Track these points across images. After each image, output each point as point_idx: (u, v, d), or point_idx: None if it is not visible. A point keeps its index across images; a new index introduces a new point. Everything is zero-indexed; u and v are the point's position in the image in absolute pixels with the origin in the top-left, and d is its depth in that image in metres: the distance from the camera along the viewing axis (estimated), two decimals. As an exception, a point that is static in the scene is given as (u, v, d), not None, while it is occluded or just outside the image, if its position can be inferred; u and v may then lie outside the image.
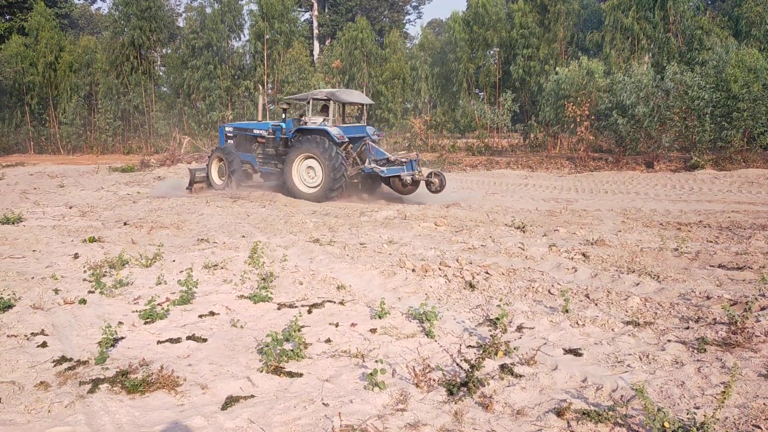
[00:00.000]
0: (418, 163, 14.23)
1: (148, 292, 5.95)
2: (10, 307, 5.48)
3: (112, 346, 4.53)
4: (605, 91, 22.65)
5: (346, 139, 13.66)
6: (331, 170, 13.19)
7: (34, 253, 8.03)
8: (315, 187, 13.65)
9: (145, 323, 5.08)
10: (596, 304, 5.32)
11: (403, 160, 14.05)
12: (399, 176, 13.77)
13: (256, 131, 15.47)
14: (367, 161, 13.95)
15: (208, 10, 32.92)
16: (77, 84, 35.86)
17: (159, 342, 4.66)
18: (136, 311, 5.35)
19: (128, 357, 4.35)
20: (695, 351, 4.19)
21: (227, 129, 16.35)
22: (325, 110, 14.35)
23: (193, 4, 54.62)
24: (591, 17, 29.06)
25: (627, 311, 5.13)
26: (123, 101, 34.29)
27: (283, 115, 15.01)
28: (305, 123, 14.14)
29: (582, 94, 22.45)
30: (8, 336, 4.81)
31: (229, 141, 15.94)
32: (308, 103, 14.27)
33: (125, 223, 10.29)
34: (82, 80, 35.85)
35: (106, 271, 6.74)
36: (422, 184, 13.75)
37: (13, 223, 10.22)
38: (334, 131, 13.42)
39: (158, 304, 5.41)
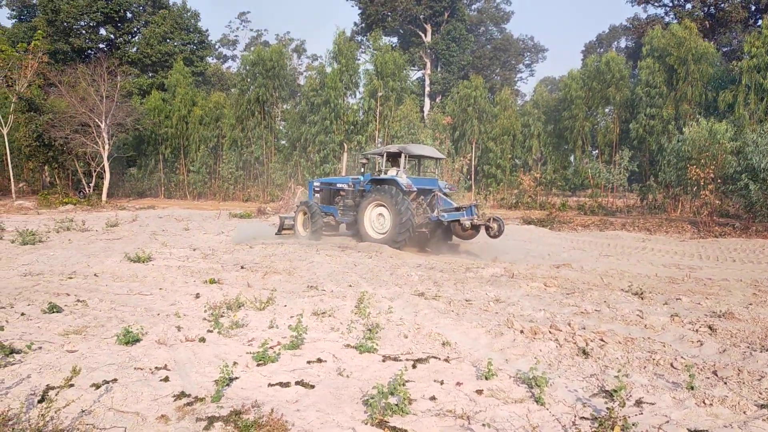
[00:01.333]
0: (477, 208, 14.75)
1: (261, 335, 6.18)
2: (138, 341, 5.89)
3: (227, 385, 4.72)
4: (734, 153, 21.32)
5: (414, 189, 14.46)
6: (398, 216, 13.97)
7: (160, 291, 8.62)
8: (383, 233, 14.55)
9: (258, 365, 5.26)
10: (725, 383, 4.88)
11: (463, 206, 14.73)
12: (458, 221, 14.34)
13: (338, 185, 16.85)
14: (435, 211, 14.79)
15: (328, 70, 34.80)
16: (206, 136, 38.90)
17: (270, 385, 4.80)
18: (250, 353, 5.56)
19: (241, 397, 4.50)
20: None
21: (315, 184, 17.79)
22: (396, 163, 15.27)
23: (313, 63, 58.12)
24: (723, 77, 27.74)
25: (761, 393, 4.66)
26: (245, 152, 36.68)
27: (362, 169, 15.91)
28: (379, 174, 15.09)
29: (705, 156, 21.25)
30: (135, 368, 5.15)
31: (316, 194, 17.38)
32: (382, 156, 15.27)
33: (242, 267, 10.83)
34: (211, 132, 38.86)
35: (223, 312, 7.09)
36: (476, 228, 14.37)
37: (143, 262, 11.06)
38: (402, 181, 14.32)
39: (270, 348, 5.59)
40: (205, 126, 39.10)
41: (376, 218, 14.77)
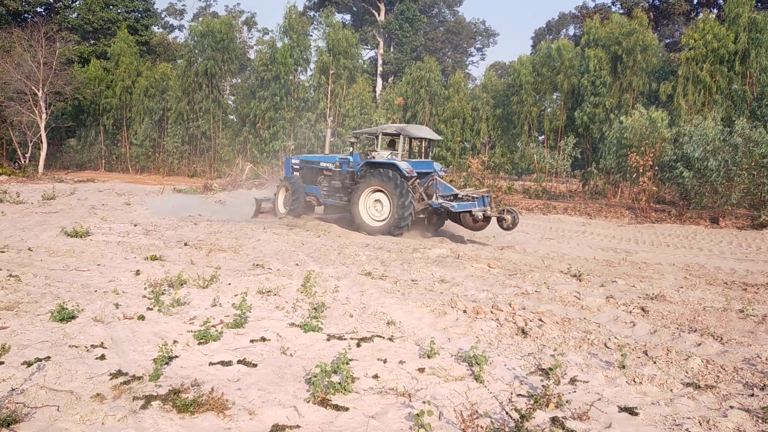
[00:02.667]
0: (490, 200, 14.11)
1: (204, 313, 6.09)
2: (73, 317, 5.71)
3: (167, 363, 4.65)
4: (670, 142, 22.15)
5: (415, 174, 13.65)
6: (400, 204, 13.15)
7: (98, 267, 8.37)
8: (381, 220, 13.65)
9: (199, 344, 5.19)
10: (655, 362, 5.12)
11: (475, 195, 14.00)
12: (470, 212, 13.56)
13: (322, 164, 15.67)
14: (434, 197, 13.89)
15: (279, 45, 34.14)
16: (150, 108, 37.66)
17: (211, 363, 4.74)
18: (191, 331, 5.48)
19: (181, 376, 4.44)
20: (760, 420, 3.96)
21: (294, 161, 16.58)
22: (392, 145, 14.50)
23: (264, 38, 56.88)
24: (664, 68, 28.63)
25: (687, 372, 4.92)
26: (191, 126, 35.73)
27: (350, 149, 15.17)
28: (373, 157, 14.24)
29: (645, 144, 22.01)
30: (70, 346, 5.00)
31: (294, 173, 16.20)
32: (377, 137, 14.45)
33: (185, 244, 10.61)
34: (156, 105, 37.64)
35: (164, 290, 6.95)
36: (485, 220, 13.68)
37: (81, 237, 10.69)
38: (403, 165, 13.45)
39: (213, 326, 5.52)
40: (150, 98, 37.84)
41: (373, 204, 13.87)
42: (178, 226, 13.07)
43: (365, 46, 54.73)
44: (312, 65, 35.19)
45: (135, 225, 12.92)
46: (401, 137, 14.06)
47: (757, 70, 25.45)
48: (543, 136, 33.80)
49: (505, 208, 13.77)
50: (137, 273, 7.97)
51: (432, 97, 33.43)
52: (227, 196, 22.36)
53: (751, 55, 25.33)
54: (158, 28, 60.26)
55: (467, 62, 67.54)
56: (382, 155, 14.14)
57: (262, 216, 16.02)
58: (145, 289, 6.98)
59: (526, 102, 30.54)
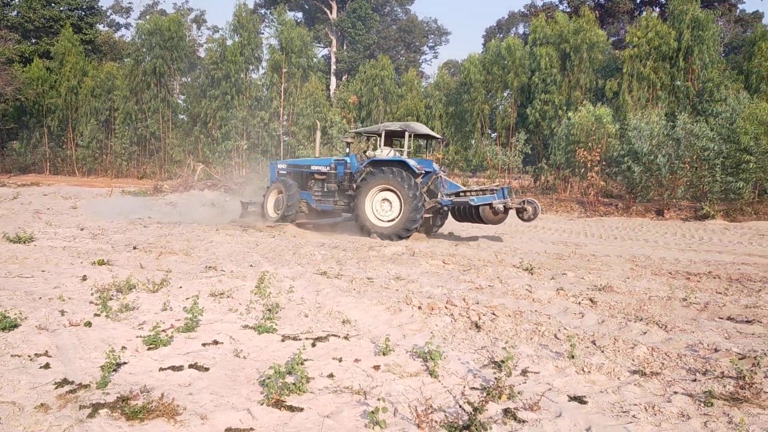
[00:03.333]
0: (510, 191, 13.98)
1: (154, 318, 5.95)
2: (15, 326, 5.49)
3: (115, 371, 4.52)
4: (616, 138, 22.81)
5: (424, 170, 13.38)
6: (413, 203, 12.73)
7: (43, 273, 8.08)
8: (390, 221, 13.22)
9: (149, 349, 5.07)
10: (602, 351, 5.26)
11: (494, 188, 13.81)
12: (490, 204, 13.30)
13: (314, 167, 15.04)
14: (439, 195, 13.65)
15: (229, 42, 33.65)
16: (97, 108, 36.59)
17: (161, 369, 4.64)
18: (141, 336, 5.35)
19: (130, 383, 4.33)
20: (702, 404, 4.12)
21: (280, 166, 15.78)
22: (389, 143, 14.22)
23: (214, 35, 55.95)
24: (610, 65, 29.45)
25: (633, 360, 5.07)
26: (140, 127, 34.88)
27: (347, 150, 14.60)
28: (374, 155, 13.83)
29: (592, 140, 22.60)
30: (12, 356, 4.81)
31: (281, 179, 15.39)
32: (380, 135, 14.02)
33: (135, 248, 10.35)
34: (102, 105, 36.58)
35: (113, 295, 6.76)
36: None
37: (24, 243, 10.30)
38: (412, 162, 13.17)
39: (163, 331, 5.40)
40: (96, 98, 36.75)
41: (380, 204, 13.36)
42: (126, 230, 12.74)
43: (318, 44, 54.49)
44: (264, 63, 34.83)
45: (81, 229, 12.54)
46: (407, 134, 13.72)
47: (699, 67, 26.43)
48: (495, 134, 34.32)
49: (525, 199, 13.60)
50: (84, 278, 7.73)
51: (386, 95, 33.53)
52: (178, 197, 21.92)
53: (694, 52, 26.30)
54: (104, 27, 58.61)
55: (420, 60, 67.99)
56: (384, 153, 13.78)
57: (246, 221, 15.23)
58: (92, 294, 6.77)
59: (476, 100, 30.96)
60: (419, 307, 6.60)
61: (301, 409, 3.99)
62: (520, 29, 64.32)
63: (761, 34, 26.96)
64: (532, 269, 8.95)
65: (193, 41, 47.03)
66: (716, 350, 5.23)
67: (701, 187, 20.42)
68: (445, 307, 6.56)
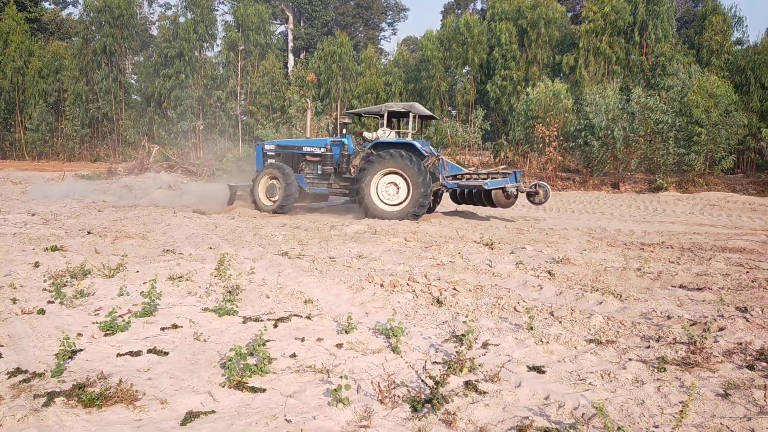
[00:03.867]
0: (523, 175, 13.82)
1: (110, 304, 5.82)
2: (-36, 316, 5.30)
3: (70, 358, 4.41)
4: (573, 113, 23.15)
5: (431, 152, 13.08)
6: (422, 185, 12.50)
7: (-8, 261, 7.80)
8: (396, 204, 12.88)
9: (105, 335, 4.96)
10: (560, 322, 5.38)
11: (506, 172, 13.64)
12: (503, 188, 13.14)
13: (306, 149, 14.40)
14: (440, 177, 13.41)
15: (182, 20, 32.75)
16: (45, 90, 35.25)
17: (119, 355, 4.55)
18: (97, 323, 5.22)
19: (86, 370, 4.23)
20: (655, 370, 4.26)
21: (267, 147, 14.92)
22: (390, 124, 13.85)
23: (166, 12, 54.33)
24: (566, 40, 29.77)
25: (590, 329, 5.20)
26: (92, 108, 33.79)
27: (343, 131, 14.05)
28: (377, 137, 13.48)
29: (550, 115, 22.89)
30: (-39, 347, 4.65)
31: (269, 160, 14.65)
32: (382, 116, 13.62)
33: (89, 232, 10.08)
34: (50, 86, 35.26)
35: (67, 281, 6.58)
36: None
37: (-29, 230, 9.93)
38: (418, 144, 12.87)
39: (119, 316, 5.29)
40: (44, 78, 35.38)
41: (386, 188, 12.97)
42: (80, 214, 12.39)
43: (275, 21, 53.45)
44: (219, 41, 34.07)
45: (33, 215, 12.14)
46: (411, 115, 13.39)
47: (653, 41, 26.93)
48: (455, 110, 34.43)
49: (536, 183, 13.51)
50: (36, 265, 7.49)
51: (344, 73, 33.22)
52: (134, 180, 21.37)
53: (649, 26, 26.76)
54: (49, 4, 56.22)
55: (379, 37, 67.45)
56: (386, 135, 13.47)
57: (229, 208, 14.38)
58: (46, 281, 6.58)
59: (435, 77, 30.94)
60: (381, 285, 6.62)
61: (264, 390, 3.97)
62: (478, 5, 64.33)
63: (712, 8, 27.61)
64: (492, 244, 9.07)
65: (145, 19, 45.56)
66: (669, 317, 5.41)
67: (655, 160, 20.93)
68: (407, 284, 6.60)
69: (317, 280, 6.94)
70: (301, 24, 54.96)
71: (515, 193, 13.25)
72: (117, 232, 10.12)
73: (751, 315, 5.30)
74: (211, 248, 8.87)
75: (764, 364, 4.27)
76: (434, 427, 3.44)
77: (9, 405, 3.71)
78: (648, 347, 4.74)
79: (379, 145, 13.17)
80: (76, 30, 37.15)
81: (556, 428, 3.32)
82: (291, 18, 55.40)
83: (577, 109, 23.63)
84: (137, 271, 7.22)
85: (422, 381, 3.93)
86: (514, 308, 5.78)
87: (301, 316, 5.60)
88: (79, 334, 4.93)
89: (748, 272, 7.18)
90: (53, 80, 35.47)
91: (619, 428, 3.11)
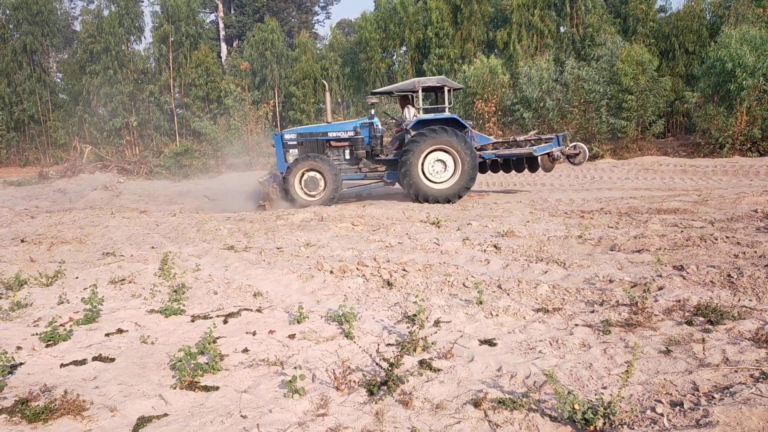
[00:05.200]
0: (565, 138, 13.87)
1: (50, 313, 5.59)
2: None
3: (10, 373, 4.22)
4: (509, 87, 23.51)
5: (470, 127, 13.00)
6: (470, 161, 12.47)
7: None
8: (443, 182, 12.70)
9: (47, 346, 4.76)
10: (508, 294, 5.50)
11: (550, 137, 13.86)
12: (549, 153, 13.38)
13: (331, 134, 13.67)
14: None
15: (105, 13, 31.43)
16: (-38, 93, 33.28)
17: (62, 365, 4.39)
18: (37, 334, 5.01)
19: (28, 383, 4.06)
20: (601, 333, 4.41)
21: (287, 136, 13.81)
22: (410, 100, 13.68)
23: (89, 6, 52.01)
24: (499, 16, 30.08)
25: (537, 299, 5.34)
26: (16, 111, 32.15)
27: (371, 112, 13.54)
28: (415, 115, 13.20)
29: (488, 91, 23.17)
30: None
31: (291, 150, 13.65)
32: (416, 92, 13.30)
33: (23, 241, 9.63)
34: (-32, 89, 33.31)
35: (2, 293, 6.29)
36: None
37: None
38: (462, 120, 12.74)
39: (60, 325, 5.09)
40: (-41, 82, 33.37)
41: (432, 165, 12.70)
42: (12, 222, 11.83)
43: (204, 10, 51.95)
44: (148, 33, 32.90)
45: (-41, 227, 11.50)
46: (446, 89, 13.13)
47: (584, 12, 27.54)
48: (394, 92, 34.37)
49: (575, 144, 13.71)
50: (-34, 280, 7.12)
51: (279, 59, 32.67)
52: (67, 183, 20.53)
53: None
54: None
55: (313, 21, 66.49)
56: (411, 113, 13.33)
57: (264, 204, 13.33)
58: (-22, 296, 6.26)
59: (373, 59, 30.81)
60: (331, 272, 6.60)
61: (217, 388, 3.91)
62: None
63: (635, -22, 28.36)
64: (438, 223, 9.15)
65: (66, 14, 43.40)
66: (611, 281, 5.60)
67: (590, 129, 21.53)
68: (357, 269, 6.60)
69: (265, 272, 6.86)
70: (232, 12, 53.61)
71: (560, 156, 13.46)
72: (53, 238, 9.70)
73: (687, 273, 5.54)
74: (153, 248, 8.63)
75: (701, 318, 4.48)
76: (391, 409, 3.47)
77: (-54, 428, 3.53)
78: (593, 312, 4.90)
79: (421, 123, 12.91)
80: (-8, 29, 35.15)
81: (510, 398, 3.39)
82: (221, 5, 53.94)
83: (513, 83, 24.01)
84: (77, 277, 6.96)
85: (377, 364, 3.95)
86: (463, 284, 5.86)
87: (251, 310, 5.53)
88: (19, 347, 4.72)
89: (682, 231, 7.49)
90: (-29, 83, 33.53)
91: (569, 392, 3.21)
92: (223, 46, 51.93)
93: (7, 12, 32.57)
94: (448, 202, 12.52)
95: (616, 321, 4.62)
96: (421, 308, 4.81)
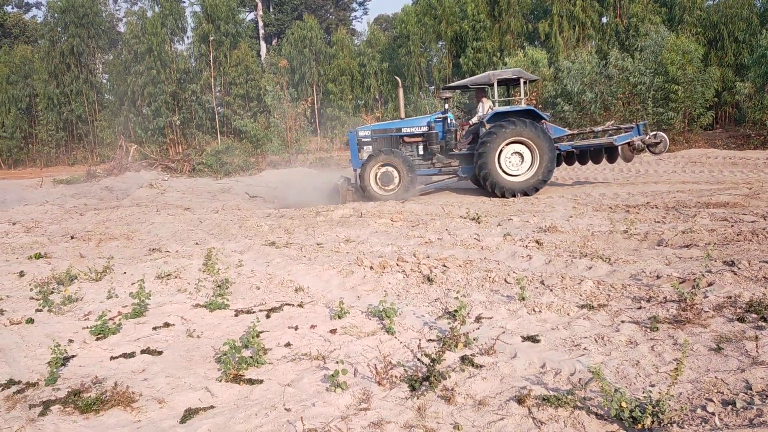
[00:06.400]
0: (646, 127, 13.66)
1: (99, 307, 5.76)
2: (-49, 332, 5.22)
3: (63, 365, 4.37)
4: (551, 80, 23.12)
5: (547, 117, 12.80)
6: (549, 151, 12.28)
7: (-25, 274, 7.68)
8: (520, 174, 12.54)
9: (97, 339, 4.91)
10: (551, 290, 5.41)
11: (630, 126, 13.60)
12: (630, 142, 13.03)
13: (405, 130, 13.65)
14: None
15: (149, 14, 32.15)
16: (16, 96, 34.58)
17: (112, 358, 4.51)
18: (87, 327, 5.17)
19: (80, 376, 4.20)
20: (648, 330, 4.30)
21: (362, 134, 13.85)
22: (486, 94, 13.46)
23: (133, 8, 53.30)
24: (539, 7, 29.61)
25: (581, 295, 5.23)
26: (65, 111, 33.24)
27: (446, 106, 13.52)
28: (491, 108, 13.17)
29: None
30: (-50, 363, 4.58)
31: (365, 147, 13.68)
32: (492, 85, 13.18)
33: (72, 237, 9.96)
34: (21, 92, 34.59)
35: (53, 288, 6.51)
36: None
37: (-49, 244, 9.76)
38: (540, 112, 12.63)
39: (110, 319, 5.24)
40: (12, 84, 34.67)
41: (509, 157, 12.53)
42: (62, 219, 12.23)
43: (244, 9, 52.69)
44: (189, 33, 33.54)
45: (13, 223, 11.95)
46: (521, 81, 13.03)
47: (627, 2, 26.88)
48: (433, 87, 34.24)
49: (656, 133, 13.31)
50: (21, 274, 7.39)
51: (317, 57, 32.88)
52: (114, 181, 21.11)
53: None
54: (12, 8, 54.91)
55: (351, 18, 66.69)
56: (486, 106, 13.25)
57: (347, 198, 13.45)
58: (32, 290, 6.48)
59: (413, 53, 30.71)
60: (371, 267, 6.61)
61: (261, 381, 3.96)
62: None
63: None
64: (478, 218, 9.07)
65: (111, 16, 44.64)
66: (658, 277, 5.45)
67: (634, 122, 21.01)
68: (397, 264, 6.59)
69: (306, 267, 6.91)
70: (271, 10, 54.20)
71: (641, 146, 13.08)
72: (101, 234, 10.00)
73: (739, 268, 5.36)
74: (197, 244, 8.80)
75: (754, 315, 4.33)
76: (433, 404, 3.46)
77: (4, 417, 3.67)
78: (639, 308, 4.79)
79: (498, 115, 12.75)
80: (42, 33, 36.36)
81: (554, 395, 3.34)
82: (260, 4, 54.59)
83: (554, 75, 23.60)
84: (124, 273, 7.16)
85: (418, 359, 3.93)
86: (505, 280, 5.79)
87: (293, 305, 5.58)
88: (71, 341, 4.88)
89: (732, 226, 7.25)
90: (23, 85, 34.79)
91: (616, 390, 3.14)
92: (263, 45, 52.59)
93: (56, 15, 33.63)
94: (526, 194, 12.33)
95: (664, 318, 4.49)
96: (462, 304, 4.77)
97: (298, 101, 29.79)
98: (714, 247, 6.18)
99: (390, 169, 13.02)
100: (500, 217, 9.30)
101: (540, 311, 4.89)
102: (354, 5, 67.80)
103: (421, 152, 13.52)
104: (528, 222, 8.72)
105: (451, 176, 13.63)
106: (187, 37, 33.96)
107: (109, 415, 3.61)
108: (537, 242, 7.22)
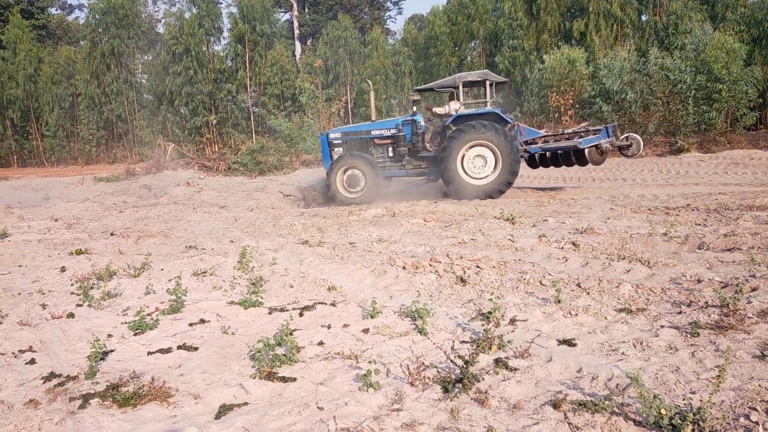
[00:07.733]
0: (615, 129, 13.46)
1: (137, 303, 5.88)
2: (-4, 324, 5.39)
3: (102, 359, 4.47)
4: (589, 79, 22.75)
5: (513, 121, 12.76)
6: (511, 156, 12.17)
7: (20, 268, 7.93)
8: (483, 177, 12.48)
9: (135, 334, 5.01)
10: (588, 293, 5.31)
11: (598, 128, 13.33)
12: (597, 145, 12.83)
13: (374, 132, 13.80)
14: (518, 143, 12.93)
15: (187, 15, 32.71)
16: (59, 95, 35.60)
17: (149, 353, 4.60)
18: (125, 323, 5.28)
19: (118, 370, 4.28)
20: (689, 335, 4.18)
21: (332, 136, 14.12)
22: (453, 97, 13.48)
23: (171, 9, 54.28)
24: (576, 5, 29.16)
25: (619, 299, 5.12)
26: (105, 110, 34.07)
27: (414, 108, 13.53)
28: (456, 110, 13.10)
29: (565, 84, 22.51)
30: (-5, 354, 4.73)
31: (336, 149, 13.93)
32: (457, 87, 13.23)
33: (112, 234, 10.19)
34: (64, 91, 35.59)
35: (93, 284, 6.66)
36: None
37: (-3, 239, 10.09)
38: (503, 114, 12.56)
39: (147, 315, 5.34)
40: (56, 84, 35.70)
41: (472, 161, 12.48)
42: (102, 216, 12.53)
43: (279, 10, 53.17)
44: (226, 34, 34.01)
45: (56, 220, 12.30)
46: (487, 83, 12.98)
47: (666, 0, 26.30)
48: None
49: (628, 135, 13.14)
50: (62, 270, 7.60)
51: (352, 56, 33.01)
52: (152, 179, 21.55)
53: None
54: (55, 10, 56.55)
55: (385, 17, 66.75)
56: (455, 107, 13.19)
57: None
58: (73, 285, 6.67)
59: (443, 53, 30.58)
60: (404, 267, 6.60)
61: (294, 379, 3.98)
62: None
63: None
64: (513, 219, 8.97)
65: (150, 17, 45.63)
66: (699, 281, 5.30)
67: (674, 121, 20.53)
68: (430, 265, 6.56)
69: (339, 266, 6.93)
70: (306, 10, 54.59)
71: (609, 149, 12.94)
72: (139, 231, 10.21)
73: (784, 273, 5.18)
74: (232, 242, 8.91)
75: (801, 322, 4.17)
76: (467, 407, 3.42)
77: (46, 409, 3.76)
78: (680, 313, 4.66)
79: (461, 118, 12.73)
80: (84, 34, 37.34)
81: (591, 401, 3.27)
82: (295, 5, 55.03)
83: (592, 74, 23.21)
84: (162, 269, 7.29)
85: (451, 361, 3.90)
86: (540, 282, 5.71)
87: (326, 304, 5.60)
88: (110, 335, 4.99)
89: (777, 230, 7.01)
90: (66, 85, 35.79)
91: (655, 396, 3.06)
92: (297, 45, 53.01)
93: (97, 17, 34.49)
94: (490, 197, 12.20)
95: (706, 323, 4.36)
96: (497, 306, 4.72)
97: (333, 101, 29.95)
98: (758, 251, 5.98)
99: (356, 172, 13.13)
100: (535, 218, 9.18)
101: (576, 314, 4.80)
102: (388, 5, 67.83)
103: (391, 154, 13.60)
104: (564, 223, 8.59)
105: (421, 178, 13.65)
106: (224, 38, 34.45)
107: (146, 410, 3.67)
108: (573, 244, 7.10)
